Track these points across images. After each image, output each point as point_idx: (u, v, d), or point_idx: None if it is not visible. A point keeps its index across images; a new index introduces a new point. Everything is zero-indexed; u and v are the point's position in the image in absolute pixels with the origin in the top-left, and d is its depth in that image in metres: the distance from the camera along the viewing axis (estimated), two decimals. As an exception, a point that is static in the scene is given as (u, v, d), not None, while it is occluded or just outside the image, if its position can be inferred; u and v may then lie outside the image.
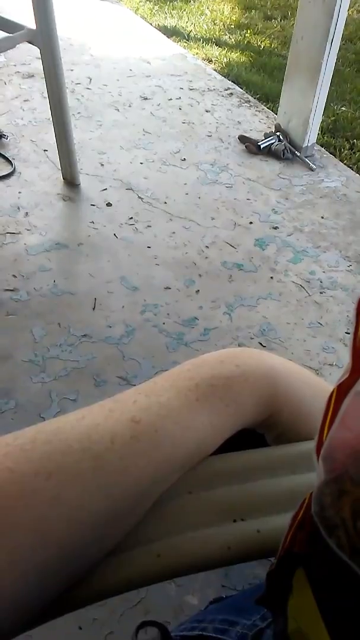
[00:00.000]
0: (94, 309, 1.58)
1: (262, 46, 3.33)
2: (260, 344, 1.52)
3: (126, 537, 0.34)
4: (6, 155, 2.12)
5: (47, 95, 1.81)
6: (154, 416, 0.33)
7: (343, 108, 2.74)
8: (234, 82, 2.84)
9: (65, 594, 0.32)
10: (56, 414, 1.31)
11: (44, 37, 1.63)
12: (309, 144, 2.25)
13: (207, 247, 1.82)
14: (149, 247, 1.80)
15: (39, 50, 1.68)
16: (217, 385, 0.36)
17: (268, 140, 2.26)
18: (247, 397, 0.37)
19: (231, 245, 1.84)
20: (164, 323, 1.56)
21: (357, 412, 0.25)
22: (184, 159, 2.22)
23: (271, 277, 1.73)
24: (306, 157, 2.24)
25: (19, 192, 1.98)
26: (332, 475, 0.25)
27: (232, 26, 3.54)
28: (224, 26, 3.54)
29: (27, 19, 1.65)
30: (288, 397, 0.39)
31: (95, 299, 1.61)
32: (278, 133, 2.27)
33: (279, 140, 2.25)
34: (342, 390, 0.25)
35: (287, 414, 0.39)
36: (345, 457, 0.25)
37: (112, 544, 0.33)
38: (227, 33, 3.45)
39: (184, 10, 3.71)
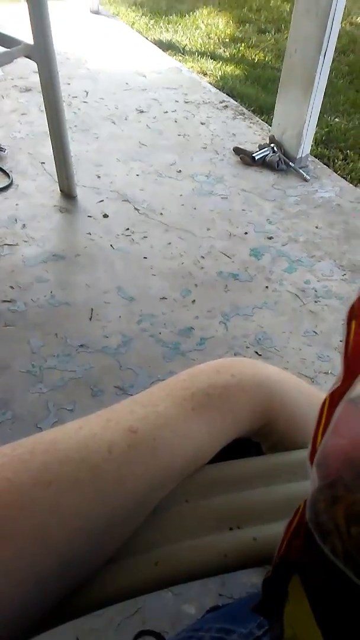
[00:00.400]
0: (90, 319, 1.59)
1: (256, 59, 3.37)
2: (256, 352, 1.53)
3: (124, 545, 0.34)
4: (4, 168, 2.14)
5: (44, 109, 1.82)
6: (150, 425, 0.34)
7: (336, 119, 2.77)
8: (229, 95, 2.87)
9: (64, 602, 0.32)
10: (53, 425, 1.31)
11: (41, 51, 1.65)
12: (303, 155, 2.27)
13: (202, 257, 1.83)
14: (145, 257, 1.81)
15: (36, 65, 1.70)
16: (213, 395, 0.37)
17: (262, 152, 2.28)
18: (243, 406, 0.38)
19: (226, 256, 1.85)
20: (160, 333, 1.56)
21: (349, 419, 0.25)
22: (180, 170, 2.24)
23: (266, 287, 1.74)
24: (300, 168, 2.27)
25: (17, 204, 1.99)
26: (325, 481, 0.26)
27: (227, 40, 3.59)
28: (219, 40, 3.58)
29: (25, 34, 1.67)
30: (283, 406, 0.39)
31: (92, 309, 1.62)
32: (272, 145, 2.29)
33: (274, 151, 2.28)
34: (334, 398, 0.25)
35: (282, 423, 0.40)
36: (338, 463, 0.26)
37: (110, 551, 0.33)
38: (221, 46, 3.49)
39: (179, 24, 3.76)
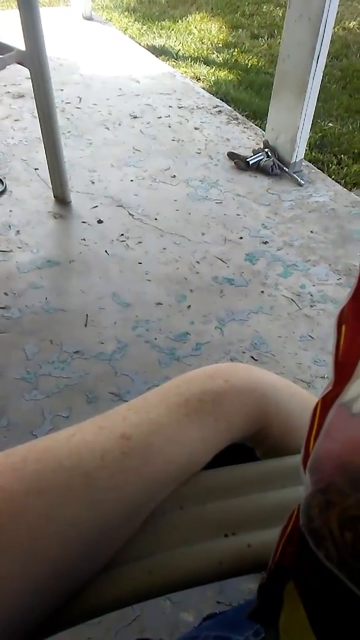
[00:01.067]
0: (85, 325, 1.59)
1: (250, 64, 3.39)
2: (252, 357, 1.53)
3: (119, 553, 0.34)
4: (-3, 174, 2.14)
5: (37, 115, 1.83)
6: (144, 432, 0.34)
7: (330, 124, 2.78)
8: (223, 100, 2.88)
9: (60, 611, 0.32)
10: (49, 432, 1.31)
11: (33, 58, 1.65)
12: (297, 160, 2.28)
13: (198, 262, 1.84)
14: (140, 263, 1.81)
15: (29, 71, 1.70)
16: (206, 401, 0.37)
17: (257, 157, 2.29)
18: (237, 412, 0.38)
19: (222, 260, 1.85)
20: (155, 338, 1.56)
21: (341, 424, 0.25)
22: (174, 175, 2.25)
23: (262, 292, 1.74)
24: (294, 172, 2.27)
25: (10, 211, 1.99)
26: (319, 486, 0.26)
27: (220, 45, 3.61)
28: (212, 45, 3.60)
29: (17, 41, 1.67)
30: (277, 411, 0.39)
31: (87, 315, 1.61)
32: (266, 149, 2.30)
33: (268, 156, 2.28)
34: (326, 403, 0.25)
35: (276, 428, 0.40)
36: (331, 468, 0.26)
37: (105, 560, 0.33)
38: (215, 52, 3.51)
39: (172, 29, 3.77)
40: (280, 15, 3.93)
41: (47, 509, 0.30)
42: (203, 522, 0.37)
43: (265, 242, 1.94)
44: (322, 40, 2.00)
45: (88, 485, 0.31)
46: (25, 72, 1.72)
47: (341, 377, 0.24)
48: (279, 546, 0.30)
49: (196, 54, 3.48)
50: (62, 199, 2.04)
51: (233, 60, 3.43)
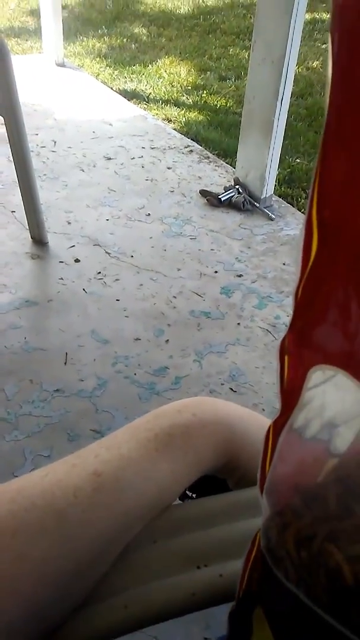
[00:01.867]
0: (65, 363, 1.59)
1: (219, 105, 3.51)
2: (231, 389, 1.55)
3: (94, 590, 0.35)
4: (-26, 217, 2.16)
5: (12, 159, 1.87)
6: (114, 468, 0.35)
7: (298, 160, 2.88)
8: (194, 140, 2.97)
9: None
10: (30, 472, 1.30)
11: (7, 106, 1.70)
12: (267, 195, 2.35)
13: (174, 297, 1.87)
14: (117, 300, 1.83)
15: (2, 118, 1.75)
16: (175, 435, 0.38)
17: (228, 193, 2.36)
18: (205, 444, 0.39)
19: (198, 295, 1.88)
20: (135, 374, 1.57)
21: (293, 448, 0.27)
22: (149, 214, 2.30)
23: (238, 324, 1.77)
24: (265, 207, 2.34)
25: (-13, 253, 2.01)
26: (276, 509, 0.27)
27: (189, 87, 3.73)
28: (182, 87, 3.72)
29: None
30: (244, 442, 0.41)
31: (66, 353, 1.62)
32: (237, 186, 2.37)
33: (239, 192, 2.35)
34: (277, 428, 0.27)
35: (245, 458, 0.41)
36: (286, 490, 0.27)
37: (80, 596, 0.34)
38: (184, 94, 3.63)
39: (143, 74, 3.90)
40: (246, 57, 4.10)
41: (21, 549, 0.31)
42: (176, 555, 0.38)
43: (240, 275, 1.99)
44: (285, 82, 2.09)
45: (60, 523, 0.32)
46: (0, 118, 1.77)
47: (288, 404, 0.26)
48: (245, 572, 0.31)
49: (167, 96, 3.59)
50: (39, 240, 2.07)
51: (202, 101, 3.55)
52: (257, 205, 2.33)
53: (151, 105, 3.46)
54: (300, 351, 0.25)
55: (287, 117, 2.23)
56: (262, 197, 2.34)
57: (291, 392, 0.26)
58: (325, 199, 0.22)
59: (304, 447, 0.27)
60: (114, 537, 0.34)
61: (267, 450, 0.27)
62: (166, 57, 4.18)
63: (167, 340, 1.70)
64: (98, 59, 4.16)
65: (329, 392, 0.25)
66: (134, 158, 2.71)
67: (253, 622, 0.31)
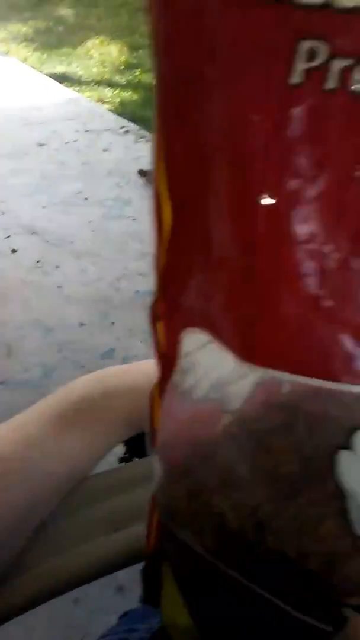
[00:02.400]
0: (8, 355, 1.57)
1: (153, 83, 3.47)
2: (179, 366, 1.56)
3: (10, 567, 0.35)
4: None
5: None
6: (20, 448, 0.35)
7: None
8: (129, 120, 2.94)
9: None
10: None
11: None
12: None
13: (118, 279, 1.86)
14: (59, 287, 1.81)
15: None
16: (83, 409, 0.38)
17: (166, 172, 2.35)
18: (116, 415, 0.39)
19: (141, 275, 1.88)
20: (82, 359, 1.56)
21: (180, 408, 0.28)
22: (87, 198, 2.26)
23: (183, 301, 1.78)
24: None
25: None
26: (167, 465, 0.28)
27: (122, 67, 3.67)
28: (114, 67, 3.66)
29: None
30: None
31: (9, 345, 1.60)
32: (174, 164, 2.36)
33: (176, 170, 2.35)
34: (161, 391, 0.28)
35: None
36: (175, 445, 0.28)
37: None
38: (117, 74, 3.57)
39: (73, 56, 3.81)
40: (177, 34, 4.05)
41: None
42: (94, 522, 0.38)
43: (182, 254, 1.99)
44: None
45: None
46: None
47: (166, 366, 0.27)
48: (150, 529, 0.32)
49: (99, 77, 3.52)
50: (-26, 232, 2.01)
51: (136, 80, 3.50)
52: (195, 182, 2.34)
53: (83, 87, 3.38)
54: (171, 315, 0.26)
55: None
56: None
57: (167, 356, 0.26)
58: (174, 174, 0.23)
59: (195, 406, 0.28)
60: (22, 518, 0.34)
61: (153, 413, 0.28)
62: (96, 37, 4.09)
63: (113, 322, 1.69)
64: (25, 43, 4.03)
65: (208, 357, 0.26)
66: (68, 142, 2.66)
67: (163, 577, 0.32)
